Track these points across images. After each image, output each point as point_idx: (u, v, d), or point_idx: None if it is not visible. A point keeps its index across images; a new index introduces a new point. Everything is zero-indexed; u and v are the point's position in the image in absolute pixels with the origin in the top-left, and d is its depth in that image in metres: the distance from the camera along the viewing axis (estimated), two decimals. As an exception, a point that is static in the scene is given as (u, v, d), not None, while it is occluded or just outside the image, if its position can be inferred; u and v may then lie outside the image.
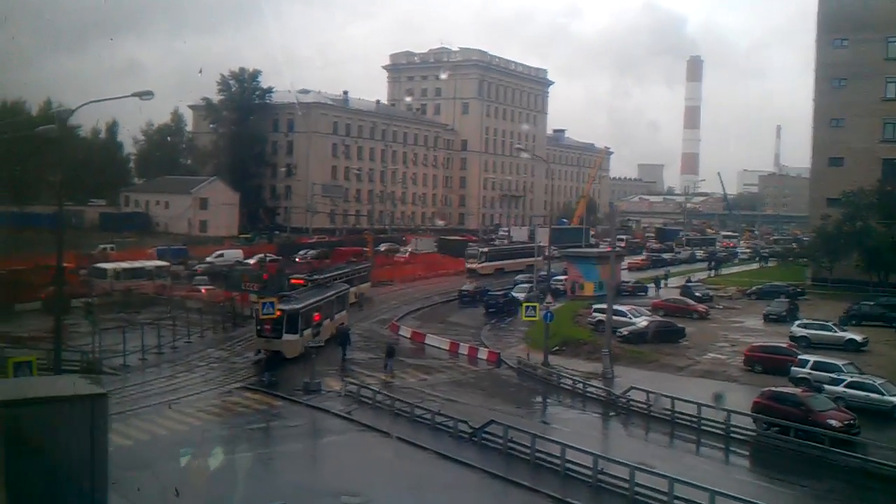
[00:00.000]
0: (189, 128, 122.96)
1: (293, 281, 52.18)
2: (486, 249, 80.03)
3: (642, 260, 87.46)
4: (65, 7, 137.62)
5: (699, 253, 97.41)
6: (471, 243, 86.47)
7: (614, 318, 45.40)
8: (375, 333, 47.77)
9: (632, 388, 30.73)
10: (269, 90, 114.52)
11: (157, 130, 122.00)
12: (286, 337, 37.54)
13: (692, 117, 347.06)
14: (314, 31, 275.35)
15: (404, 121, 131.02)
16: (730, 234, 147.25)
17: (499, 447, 24.32)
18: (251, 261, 73.47)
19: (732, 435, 27.05)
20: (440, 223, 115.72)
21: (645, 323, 44.00)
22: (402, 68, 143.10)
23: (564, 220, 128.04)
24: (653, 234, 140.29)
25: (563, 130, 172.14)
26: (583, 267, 63.35)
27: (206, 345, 42.52)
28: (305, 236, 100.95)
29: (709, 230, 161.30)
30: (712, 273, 79.57)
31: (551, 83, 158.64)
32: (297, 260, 76.36)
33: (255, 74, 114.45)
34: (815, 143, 70.04)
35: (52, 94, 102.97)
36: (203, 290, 59.38)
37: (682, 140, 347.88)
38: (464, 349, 41.99)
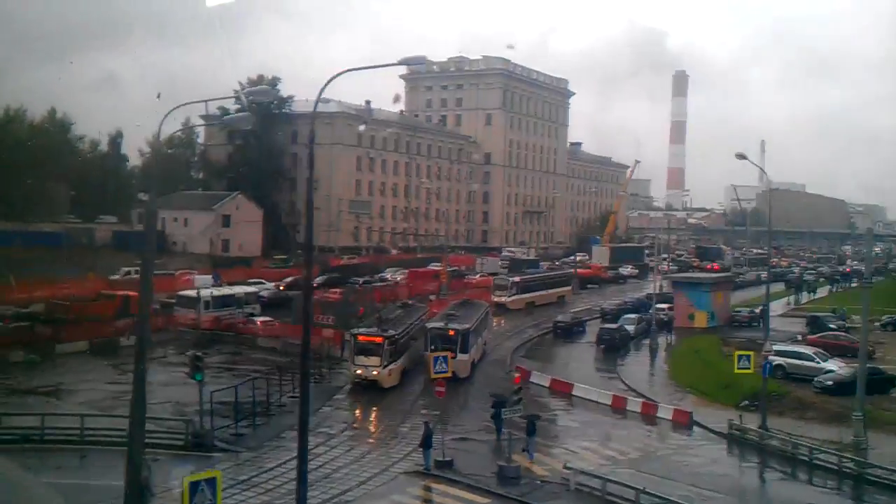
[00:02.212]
0: (201, 139, 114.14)
1: None
2: (517, 279, 66.07)
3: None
4: (40, 18, 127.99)
5: (762, 274, 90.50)
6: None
7: (798, 361, 38.32)
8: (498, 381, 39.78)
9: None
10: (290, 99, 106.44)
11: (165, 142, 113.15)
12: (460, 357, 37.02)
13: (678, 132, 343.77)
14: (292, 45, 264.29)
15: (428, 132, 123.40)
16: (761, 251, 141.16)
17: None
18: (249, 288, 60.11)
19: None
20: (394, 251, 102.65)
21: (847, 369, 36.54)
22: (422, 77, 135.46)
23: (597, 238, 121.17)
24: (686, 252, 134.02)
25: (579, 143, 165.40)
26: (693, 294, 56.13)
27: (317, 400, 34.33)
28: (334, 256, 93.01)
29: (724, 247, 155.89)
30: (792, 299, 72.57)
31: (572, 94, 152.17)
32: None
33: (275, 82, 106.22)
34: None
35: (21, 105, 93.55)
36: (259, 323, 51.20)
37: (667, 155, 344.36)
38: (634, 405, 34.29)
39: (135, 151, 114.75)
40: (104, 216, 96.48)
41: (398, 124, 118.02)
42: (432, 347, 37.93)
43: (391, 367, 36.19)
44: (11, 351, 39.75)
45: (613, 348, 48.53)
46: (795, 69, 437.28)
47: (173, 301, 51.71)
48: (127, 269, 70.30)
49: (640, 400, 34.56)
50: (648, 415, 33.42)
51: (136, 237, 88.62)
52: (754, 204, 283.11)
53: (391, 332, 37.32)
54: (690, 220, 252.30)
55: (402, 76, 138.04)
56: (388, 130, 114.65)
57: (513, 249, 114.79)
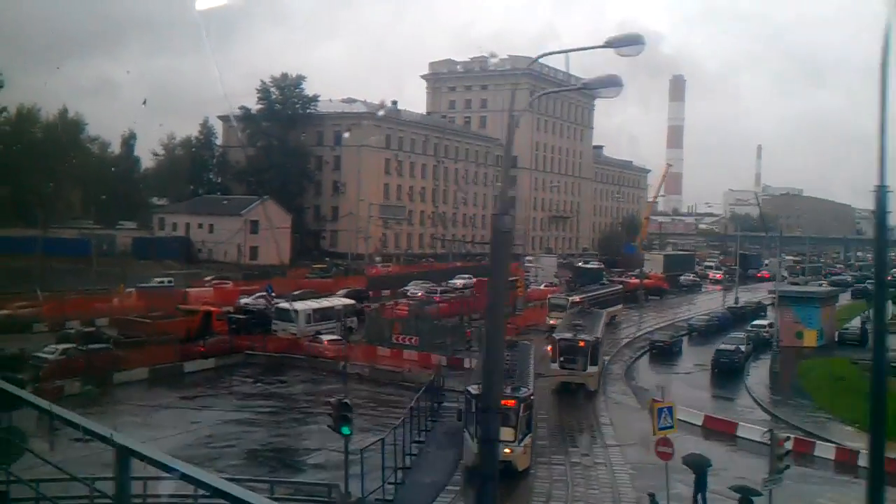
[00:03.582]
0: (219, 141, 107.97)
1: None
2: (577, 299, 56.40)
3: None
4: (37, 24, 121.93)
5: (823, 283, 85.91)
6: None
7: None
8: (629, 416, 34.41)
9: None
10: (315, 98, 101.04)
11: (180, 144, 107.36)
12: (590, 369, 36.41)
13: (675, 137, 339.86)
14: (286, 51, 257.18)
15: (455, 134, 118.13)
16: (795, 258, 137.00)
17: None
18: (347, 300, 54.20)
19: None
20: (377, 260, 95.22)
21: None
22: (444, 78, 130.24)
23: (633, 245, 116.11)
24: (719, 260, 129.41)
25: (601, 147, 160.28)
26: (801, 310, 50.92)
27: (448, 445, 28.80)
28: (371, 265, 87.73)
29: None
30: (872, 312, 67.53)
31: (597, 95, 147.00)
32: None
33: (298, 81, 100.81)
34: None
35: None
36: (325, 343, 45.38)
37: (665, 160, 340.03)
38: (824, 450, 28.90)
39: (147, 153, 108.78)
40: (123, 222, 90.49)
41: (426, 125, 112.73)
42: (562, 360, 37.05)
43: (526, 441, 25.96)
44: (67, 380, 33.94)
45: (731, 372, 43.33)
46: (790, 74, 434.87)
47: (237, 315, 46.02)
48: (159, 279, 64.55)
49: (832, 445, 29.12)
50: (844, 462, 28.04)
51: (159, 244, 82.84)
52: (759, 209, 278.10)
53: (524, 390, 26.76)
54: (701, 226, 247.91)
55: (424, 76, 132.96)
56: (416, 131, 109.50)
57: (530, 258, 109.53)
